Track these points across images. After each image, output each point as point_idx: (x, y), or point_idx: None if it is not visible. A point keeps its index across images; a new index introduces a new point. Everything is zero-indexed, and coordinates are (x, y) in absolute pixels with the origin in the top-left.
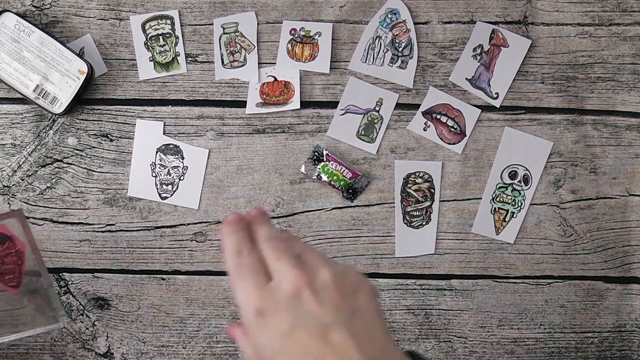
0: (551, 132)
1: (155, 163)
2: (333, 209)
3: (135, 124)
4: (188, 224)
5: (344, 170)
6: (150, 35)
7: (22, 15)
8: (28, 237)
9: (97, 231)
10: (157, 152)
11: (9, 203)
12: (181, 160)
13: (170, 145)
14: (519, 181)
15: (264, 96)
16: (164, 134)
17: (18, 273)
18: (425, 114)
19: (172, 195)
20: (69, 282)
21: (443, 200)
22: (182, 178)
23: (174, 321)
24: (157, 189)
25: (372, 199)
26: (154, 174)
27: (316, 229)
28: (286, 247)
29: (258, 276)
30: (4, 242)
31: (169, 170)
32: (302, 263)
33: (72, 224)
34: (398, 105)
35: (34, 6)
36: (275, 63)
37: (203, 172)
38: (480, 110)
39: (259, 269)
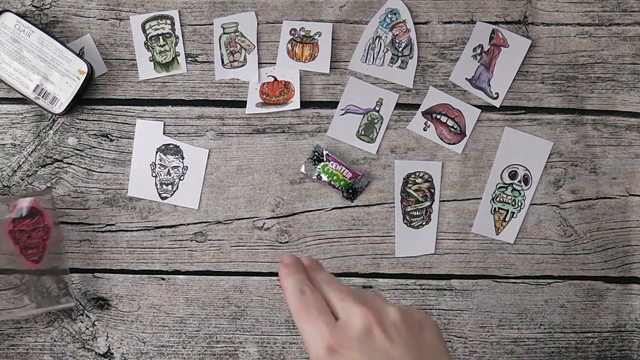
0: (551, 132)
1: (155, 163)
2: (333, 209)
3: (135, 124)
4: (188, 224)
5: (344, 170)
6: (150, 35)
7: (22, 15)
8: (56, 217)
9: (97, 231)
10: (157, 152)
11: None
12: (181, 160)
13: (171, 145)
14: (519, 181)
15: (264, 96)
16: (164, 134)
17: (42, 248)
18: (425, 114)
19: (172, 195)
20: (69, 283)
21: (443, 200)
22: (182, 178)
23: (174, 321)
24: (157, 189)
25: (372, 199)
26: (154, 174)
27: (316, 229)
28: (348, 289)
29: (326, 314)
30: (34, 217)
31: (169, 170)
32: (368, 303)
33: (72, 224)
34: (398, 105)
35: (34, 6)
36: (275, 63)
37: (203, 172)
38: (480, 110)
39: (326, 307)
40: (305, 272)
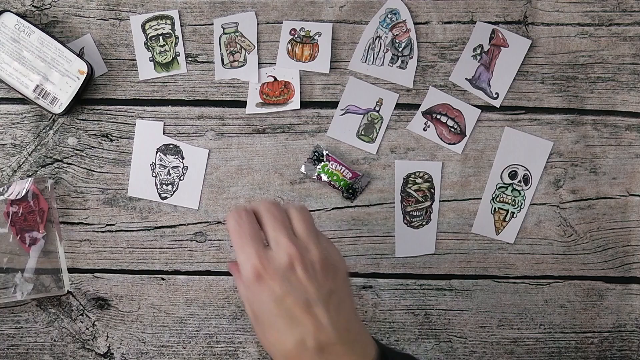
0: (551, 132)
1: (155, 163)
2: (333, 209)
3: (135, 124)
4: (188, 224)
5: (344, 170)
6: (150, 35)
7: (22, 15)
8: (51, 200)
9: (97, 231)
10: (157, 152)
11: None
12: (181, 160)
13: (170, 145)
14: (519, 181)
15: (264, 96)
16: (164, 134)
17: (36, 232)
18: (425, 114)
19: (172, 195)
20: (70, 282)
21: (443, 200)
22: (182, 178)
23: (174, 321)
24: (157, 189)
25: (372, 199)
26: (154, 174)
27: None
28: (284, 219)
29: (257, 242)
30: (31, 199)
31: (169, 170)
32: (296, 238)
33: (72, 224)
34: (398, 105)
35: (34, 6)
36: (275, 63)
37: (203, 172)
38: (480, 110)
39: (258, 235)
40: (250, 210)
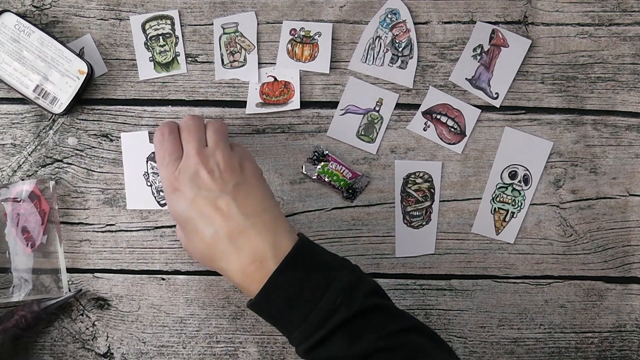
0: (551, 132)
1: (147, 172)
2: (333, 209)
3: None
4: None
5: (344, 170)
6: (150, 35)
7: (22, 15)
8: (52, 201)
9: (97, 231)
10: (147, 161)
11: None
12: None
13: None
14: (519, 181)
15: (264, 96)
16: (150, 141)
17: (37, 233)
18: (425, 114)
19: None
20: (69, 282)
21: (443, 200)
22: None
23: (174, 321)
24: (155, 196)
25: (372, 199)
26: (149, 183)
27: (316, 229)
28: (198, 132)
29: (175, 160)
30: (32, 201)
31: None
32: (204, 147)
33: (72, 224)
34: (398, 105)
35: (34, 6)
36: (275, 63)
37: None
38: (480, 110)
39: (177, 153)
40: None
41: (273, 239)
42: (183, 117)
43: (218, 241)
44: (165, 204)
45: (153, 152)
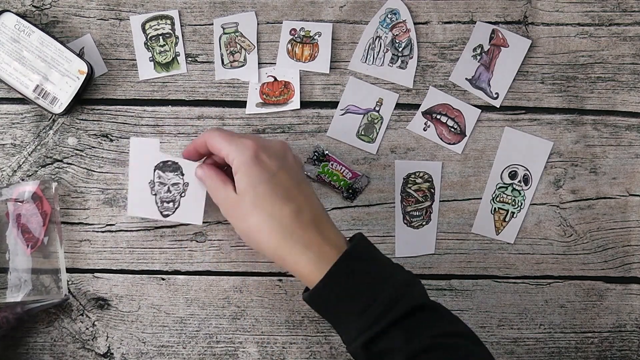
0: (551, 132)
1: (153, 181)
2: (333, 209)
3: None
4: (188, 224)
5: (344, 170)
6: (150, 35)
7: (22, 15)
8: (54, 202)
9: (97, 231)
10: (155, 170)
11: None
12: (181, 177)
13: (169, 162)
14: (519, 181)
15: (264, 96)
16: (160, 150)
17: (38, 234)
18: (425, 114)
19: (173, 212)
20: (69, 282)
21: (443, 200)
22: (183, 195)
23: (174, 321)
24: (158, 206)
25: (372, 199)
26: (154, 192)
27: None
28: (228, 133)
29: (220, 182)
30: (34, 202)
31: (168, 187)
32: (247, 136)
33: (72, 224)
34: (398, 105)
35: (34, 6)
36: (275, 63)
37: (205, 188)
38: (480, 110)
39: (217, 175)
40: (200, 155)
41: (342, 235)
42: (210, 130)
43: (298, 221)
44: (167, 215)
45: (162, 162)
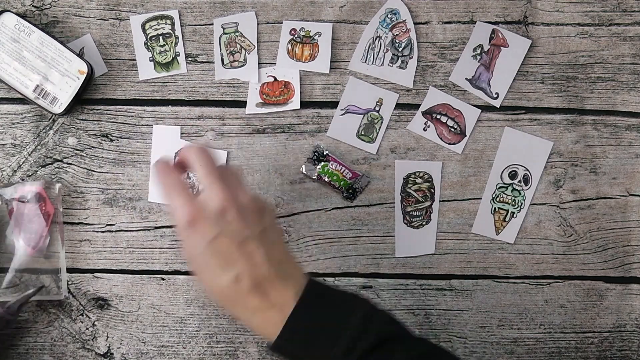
0: (551, 132)
1: None
2: (333, 209)
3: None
4: None
5: (344, 170)
6: (150, 35)
7: (22, 15)
8: (58, 203)
9: (97, 231)
10: (175, 156)
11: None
12: None
13: None
14: (519, 181)
15: (264, 96)
16: (181, 137)
17: (40, 235)
18: (425, 114)
19: None
20: (69, 282)
21: (443, 200)
22: None
23: (174, 321)
24: None
25: (372, 199)
26: None
27: (316, 229)
28: (212, 164)
29: (187, 192)
30: (37, 202)
31: (188, 174)
32: (227, 186)
33: (72, 224)
34: (398, 105)
35: (34, 6)
36: (275, 63)
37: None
38: (480, 110)
39: (183, 187)
40: (174, 167)
41: (295, 285)
42: (187, 147)
43: (238, 289)
44: None
45: (181, 148)
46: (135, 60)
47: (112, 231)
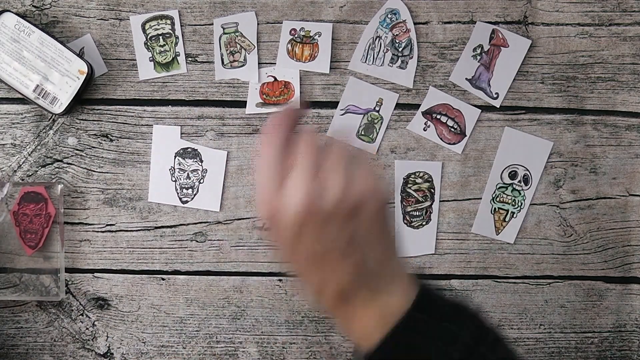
0: (551, 132)
1: (174, 167)
2: None
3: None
4: (188, 224)
5: None
6: (150, 35)
7: (22, 15)
8: (59, 204)
9: (97, 231)
10: (175, 157)
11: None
12: (200, 164)
13: (189, 149)
14: (519, 181)
15: (264, 96)
16: (181, 137)
17: (40, 235)
18: (425, 114)
19: (192, 198)
20: (69, 282)
21: (443, 200)
22: (202, 181)
23: (174, 321)
24: (178, 193)
25: None
26: (174, 179)
27: None
28: (344, 158)
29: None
30: (39, 203)
31: (188, 174)
32: (349, 179)
33: (72, 224)
34: (398, 105)
35: (34, 6)
36: (275, 63)
37: (223, 174)
38: (480, 110)
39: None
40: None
41: (400, 289)
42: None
43: (361, 273)
44: (186, 202)
45: (182, 148)
46: (135, 60)
47: (112, 231)
